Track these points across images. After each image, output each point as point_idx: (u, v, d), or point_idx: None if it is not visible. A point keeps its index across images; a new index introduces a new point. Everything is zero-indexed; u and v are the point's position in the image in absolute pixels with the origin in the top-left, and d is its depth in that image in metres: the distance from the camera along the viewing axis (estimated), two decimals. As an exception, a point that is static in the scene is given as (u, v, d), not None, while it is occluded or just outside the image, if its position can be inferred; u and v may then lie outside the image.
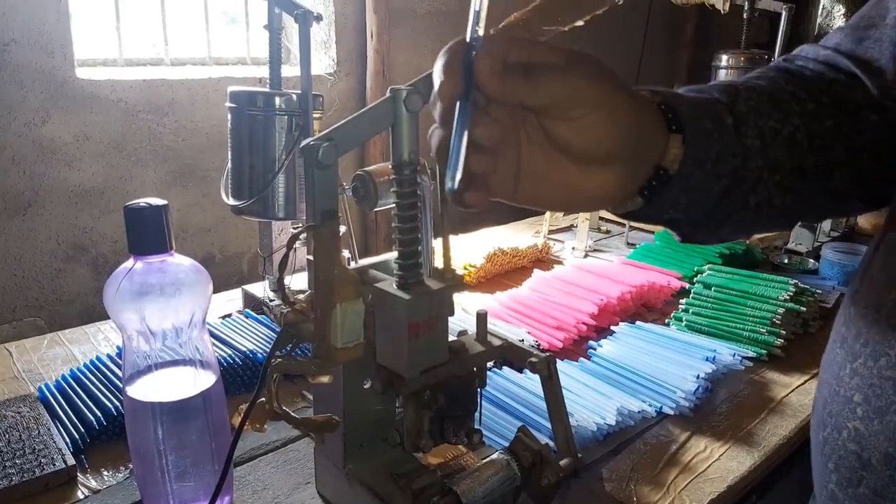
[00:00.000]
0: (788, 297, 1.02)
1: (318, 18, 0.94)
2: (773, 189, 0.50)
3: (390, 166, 0.52)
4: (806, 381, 0.90)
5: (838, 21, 3.37)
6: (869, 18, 0.55)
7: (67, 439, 0.72)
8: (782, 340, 0.96)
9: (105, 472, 0.69)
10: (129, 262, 0.55)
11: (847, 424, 0.50)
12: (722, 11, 1.77)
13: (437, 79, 0.41)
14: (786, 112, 0.50)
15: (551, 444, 0.66)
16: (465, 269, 1.23)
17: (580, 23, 0.53)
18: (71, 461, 0.68)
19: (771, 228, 0.58)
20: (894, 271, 0.49)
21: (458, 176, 0.39)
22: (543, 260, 1.37)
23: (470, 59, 0.40)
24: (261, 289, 1.07)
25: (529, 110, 0.43)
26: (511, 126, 0.44)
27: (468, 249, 1.29)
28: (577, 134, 0.42)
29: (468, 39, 0.41)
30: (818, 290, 1.09)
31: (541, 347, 0.95)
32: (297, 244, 0.96)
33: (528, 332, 0.97)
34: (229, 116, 0.96)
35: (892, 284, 0.48)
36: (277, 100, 0.93)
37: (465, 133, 0.40)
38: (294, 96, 0.93)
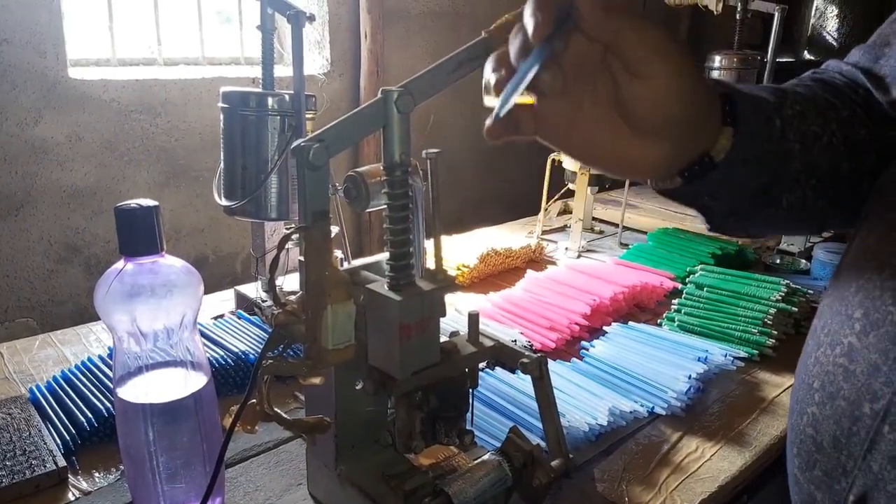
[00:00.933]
0: (780, 298, 1.02)
1: (311, 19, 0.94)
2: (808, 191, 0.52)
3: (382, 167, 0.52)
4: (797, 382, 0.91)
5: (831, 22, 3.38)
6: (885, 36, 0.58)
7: (58, 441, 0.71)
8: (774, 341, 0.97)
9: (96, 474, 0.69)
10: (120, 264, 0.55)
11: (807, 410, 0.52)
12: (715, 12, 1.78)
13: (531, 18, 0.41)
14: (826, 118, 0.53)
15: (543, 444, 0.66)
16: (459, 269, 1.23)
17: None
18: (62, 463, 0.68)
19: (800, 231, 0.61)
20: (860, 266, 0.51)
21: (507, 108, 0.42)
22: (537, 260, 1.37)
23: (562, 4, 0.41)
24: (253, 290, 1.07)
25: (615, 53, 0.43)
26: (579, 77, 0.44)
27: (461, 250, 1.29)
28: (645, 94, 0.43)
29: None
30: (810, 291, 1.09)
31: (533, 348, 0.95)
32: (290, 245, 0.96)
33: (521, 333, 0.97)
34: (222, 117, 0.96)
35: (856, 279, 0.51)
36: (270, 100, 0.93)
37: (531, 73, 0.41)
38: (287, 97, 0.93)
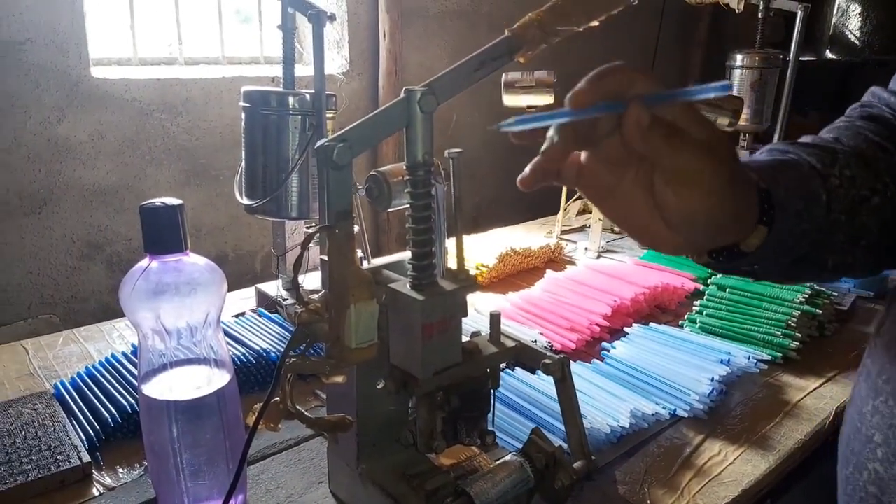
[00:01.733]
0: (804, 300, 1.01)
1: (332, 18, 0.94)
2: (858, 252, 0.51)
3: (404, 167, 0.52)
4: (822, 385, 0.89)
5: (854, 21, 3.33)
6: None
7: (83, 436, 0.72)
8: (798, 343, 0.95)
9: (120, 470, 0.70)
10: (145, 262, 0.55)
11: (868, 465, 0.50)
12: (736, 10, 1.76)
13: (579, 88, 0.43)
14: (877, 172, 0.51)
15: (564, 446, 0.66)
16: (478, 269, 1.23)
17: (595, 23, 0.52)
18: (86, 458, 0.68)
19: (855, 276, 0.59)
20: None
21: (513, 130, 0.44)
22: (556, 260, 1.36)
23: (621, 101, 0.43)
24: (274, 287, 1.07)
25: (653, 162, 0.44)
26: (620, 162, 0.46)
27: (480, 249, 1.29)
28: (676, 204, 0.44)
29: (648, 94, 0.43)
30: (834, 293, 1.08)
31: (554, 349, 0.94)
32: (310, 244, 0.96)
33: (541, 333, 0.97)
34: (243, 116, 0.96)
35: None
36: (291, 99, 0.93)
37: (548, 122, 0.44)
38: (307, 96, 0.93)
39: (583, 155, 0.48)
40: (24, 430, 0.72)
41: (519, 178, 0.46)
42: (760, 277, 0.54)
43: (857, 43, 3.33)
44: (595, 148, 0.46)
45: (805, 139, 0.55)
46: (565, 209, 1.53)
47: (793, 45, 1.78)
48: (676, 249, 0.48)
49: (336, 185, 0.48)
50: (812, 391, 0.88)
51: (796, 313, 0.98)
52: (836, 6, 3.37)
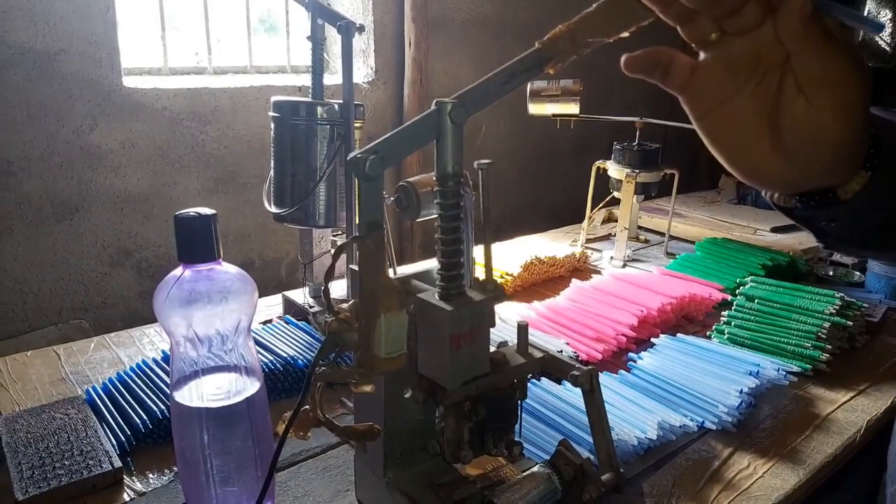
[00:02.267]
0: (834, 311, 0.99)
1: (361, 30, 0.95)
2: None
3: (433, 177, 0.53)
4: (852, 398, 0.88)
5: (886, 26, 3.28)
6: None
7: (114, 441, 0.73)
8: (828, 355, 0.94)
9: (150, 475, 0.71)
10: (178, 270, 0.56)
11: None
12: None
13: None
14: None
15: (592, 457, 0.65)
16: (502, 277, 1.23)
17: (625, 34, 0.52)
18: (118, 463, 0.70)
19: None
20: None
21: None
22: (581, 269, 1.36)
23: None
24: (301, 295, 1.08)
25: (794, 64, 0.42)
26: (750, 66, 0.43)
27: (505, 258, 1.29)
28: (801, 116, 0.42)
29: None
30: (865, 304, 1.06)
31: (580, 359, 0.94)
32: (334, 251, 0.97)
33: (567, 343, 0.97)
34: (272, 125, 0.98)
35: None
36: (319, 109, 0.95)
37: None
38: (336, 106, 0.94)
39: (702, 54, 0.45)
40: (57, 434, 0.74)
41: (625, 57, 0.43)
42: (834, 241, 0.51)
43: (888, 49, 3.28)
44: (723, 44, 0.43)
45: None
46: (590, 218, 1.52)
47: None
48: (774, 178, 0.46)
49: (368, 197, 0.49)
50: (843, 404, 0.87)
51: (826, 325, 0.97)
52: (865, 11, 3.32)
